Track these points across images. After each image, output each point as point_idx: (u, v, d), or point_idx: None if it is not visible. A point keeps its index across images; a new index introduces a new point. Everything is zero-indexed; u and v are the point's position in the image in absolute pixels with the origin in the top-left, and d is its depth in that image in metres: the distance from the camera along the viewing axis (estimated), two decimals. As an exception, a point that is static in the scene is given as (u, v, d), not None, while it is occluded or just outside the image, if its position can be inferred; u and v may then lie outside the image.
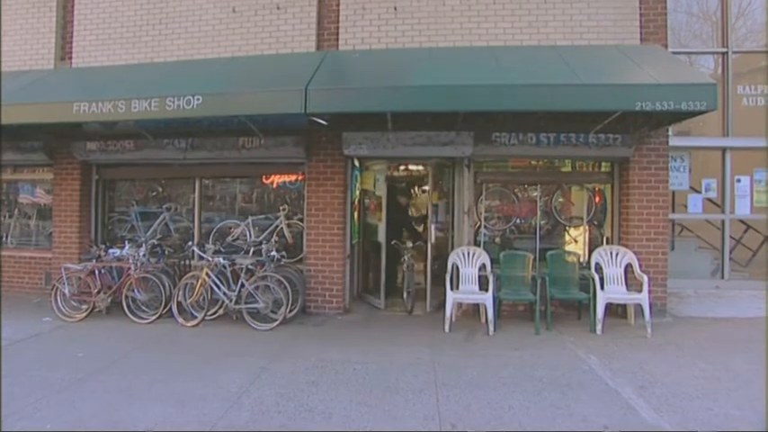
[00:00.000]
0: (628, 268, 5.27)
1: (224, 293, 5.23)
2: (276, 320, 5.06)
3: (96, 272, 5.55)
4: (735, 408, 3.16)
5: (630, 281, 5.25)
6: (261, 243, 5.71)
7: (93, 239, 6.57)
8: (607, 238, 5.80)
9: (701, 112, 4.36)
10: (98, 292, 5.46)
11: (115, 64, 6.18)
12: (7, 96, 5.19)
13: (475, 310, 5.50)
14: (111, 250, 5.69)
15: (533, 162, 6.00)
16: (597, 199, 5.94)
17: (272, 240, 5.88)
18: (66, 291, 5.49)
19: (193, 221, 6.45)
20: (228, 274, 5.29)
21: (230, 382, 3.59)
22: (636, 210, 5.42)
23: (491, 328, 4.88)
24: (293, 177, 6.21)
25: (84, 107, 4.86)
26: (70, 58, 6.44)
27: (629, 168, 5.46)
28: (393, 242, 6.02)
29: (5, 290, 6.66)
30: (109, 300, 5.53)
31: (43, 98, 5.22)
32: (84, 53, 6.35)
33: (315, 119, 5.26)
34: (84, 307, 5.49)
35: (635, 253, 5.28)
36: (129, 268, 5.45)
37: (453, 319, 5.10)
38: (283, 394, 3.39)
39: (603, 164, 5.83)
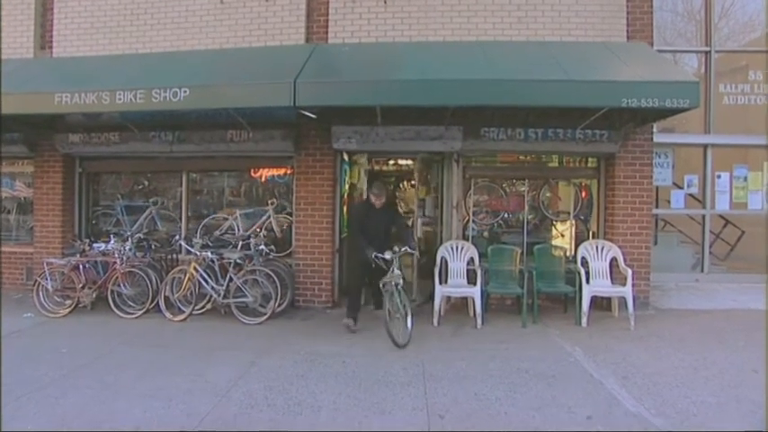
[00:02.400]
0: (613, 262, 5.38)
1: (212, 288, 5.19)
2: (265, 314, 5.04)
3: (80, 266, 5.45)
4: (710, 395, 3.27)
5: (615, 274, 5.36)
6: (249, 237, 5.67)
7: (78, 234, 6.43)
8: (593, 233, 5.91)
9: (684, 110, 4.45)
10: (82, 287, 5.37)
11: (98, 54, 6.02)
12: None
13: (463, 303, 5.55)
14: (96, 244, 5.59)
15: (521, 157, 6.06)
16: (583, 194, 6.04)
17: (261, 234, 5.84)
18: (49, 286, 5.38)
19: (180, 215, 6.36)
20: (217, 269, 5.25)
21: (219, 377, 3.57)
22: (621, 205, 5.53)
23: (479, 321, 4.95)
24: (282, 171, 6.17)
25: (66, 98, 4.73)
26: (50, 47, 6.26)
27: (615, 164, 5.56)
28: (374, 255, 4.53)
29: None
30: (94, 295, 5.44)
31: (23, 88, 5.06)
32: (66, 42, 6.18)
33: (304, 112, 5.22)
34: (68, 302, 5.39)
35: (620, 247, 5.39)
36: (115, 263, 5.37)
37: (442, 313, 5.15)
38: (272, 387, 3.39)
39: (590, 159, 5.93)
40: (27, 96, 4.94)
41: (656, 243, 6.03)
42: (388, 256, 4.48)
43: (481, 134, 5.52)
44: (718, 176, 6.15)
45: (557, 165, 6.09)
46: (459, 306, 5.62)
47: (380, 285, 4.45)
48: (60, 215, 6.29)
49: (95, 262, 5.59)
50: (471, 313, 5.17)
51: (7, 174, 6.83)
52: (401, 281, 4.50)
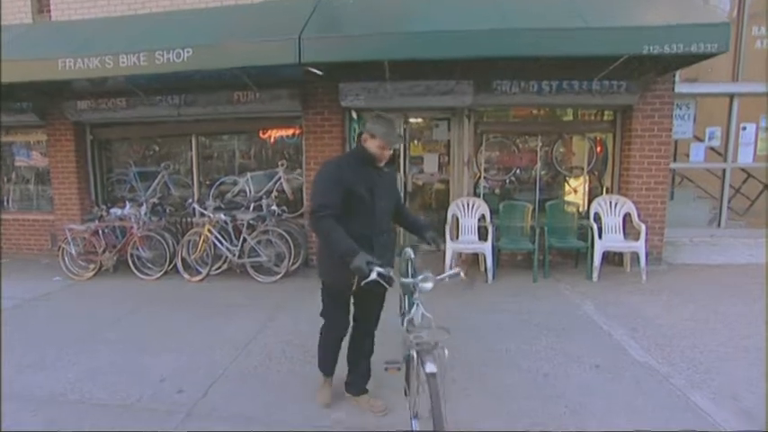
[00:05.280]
0: (626, 217, 5.31)
1: (227, 248, 5.32)
2: (279, 273, 5.19)
3: (100, 231, 5.63)
4: (719, 345, 3.31)
5: (628, 230, 5.30)
6: (261, 198, 5.74)
7: (94, 200, 6.59)
8: (607, 188, 5.80)
9: (711, 55, 4.19)
10: (103, 251, 5.57)
11: (97, 17, 5.88)
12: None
13: (474, 259, 5.61)
14: (112, 210, 5.73)
15: (534, 111, 5.87)
16: (598, 148, 5.88)
17: (272, 196, 5.90)
18: (73, 251, 5.59)
19: (192, 179, 6.43)
20: (230, 230, 5.37)
21: (237, 333, 3.74)
22: (637, 159, 5.37)
23: (490, 276, 5.01)
24: (291, 131, 6.12)
25: (69, 63, 4.70)
26: (48, 10, 6.12)
27: (633, 116, 5.34)
28: (377, 272, 2.08)
29: (14, 252, 6.79)
30: (115, 258, 5.65)
31: (26, 55, 5.02)
32: (63, 5, 6.04)
33: (310, 69, 5.08)
34: (92, 266, 5.61)
35: (634, 202, 5.30)
36: (132, 227, 5.52)
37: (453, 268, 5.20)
38: (289, 342, 3.54)
39: (606, 112, 5.71)
40: (31, 63, 4.91)
41: (672, 198, 5.90)
42: (429, 285, 2.23)
43: (493, 88, 5.32)
44: (743, 128, 5.87)
45: (571, 118, 5.89)
46: (470, 262, 5.68)
47: (414, 348, 2.19)
48: (76, 182, 6.42)
49: (113, 227, 5.77)
50: (482, 269, 5.23)
51: (23, 143, 6.94)
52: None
